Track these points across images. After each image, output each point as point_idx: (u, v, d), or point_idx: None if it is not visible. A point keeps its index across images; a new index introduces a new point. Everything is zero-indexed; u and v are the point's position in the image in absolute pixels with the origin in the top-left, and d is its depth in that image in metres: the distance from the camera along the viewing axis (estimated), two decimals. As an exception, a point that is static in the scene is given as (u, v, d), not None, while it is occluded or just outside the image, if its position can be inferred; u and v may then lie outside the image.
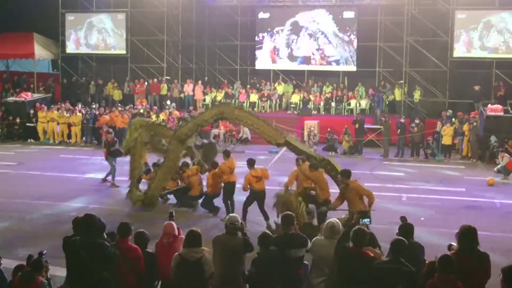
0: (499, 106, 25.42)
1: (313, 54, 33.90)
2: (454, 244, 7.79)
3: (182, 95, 32.97)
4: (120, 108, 29.01)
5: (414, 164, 24.32)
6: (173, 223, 8.79)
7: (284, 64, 34.67)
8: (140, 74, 33.98)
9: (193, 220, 14.65)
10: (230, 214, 9.00)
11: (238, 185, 15.35)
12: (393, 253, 7.16)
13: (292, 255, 8.20)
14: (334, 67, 34.02)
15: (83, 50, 35.39)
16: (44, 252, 8.00)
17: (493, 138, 24.08)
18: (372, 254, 7.48)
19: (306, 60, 34.12)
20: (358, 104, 31.49)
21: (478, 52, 29.22)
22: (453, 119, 26.19)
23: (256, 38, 35.02)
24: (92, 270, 7.39)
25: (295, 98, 32.45)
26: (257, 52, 35.05)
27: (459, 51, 29.37)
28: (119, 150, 18.91)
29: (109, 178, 19.13)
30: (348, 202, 12.24)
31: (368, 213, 8.04)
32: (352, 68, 33.63)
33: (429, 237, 12.29)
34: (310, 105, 31.68)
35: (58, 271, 8.75)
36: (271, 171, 15.86)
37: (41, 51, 34.91)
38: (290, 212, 8.92)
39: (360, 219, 7.96)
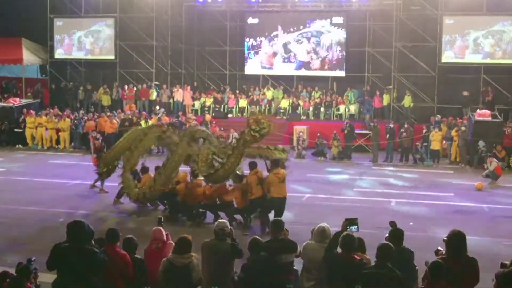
0: (487, 111, 25.53)
1: (311, 58, 34.01)
2: (441, 248, 7.81)
3: (171, 100, 32.91)
4: (109, 114, 28.94)
5: (403, 169, 24.37)
6: (162, 228, 8.78)
7: (280, 68, 34.68)
8: (129, 79, 33.91)
9: (181, 226, 14.61)
10: (219, 220, 8.98)
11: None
12: (380, 258, 7.16)
13: (283, 261, 8.21)
14: (323, 72, 34.11)
15: (72, 55, 35.28)
16: (33, 259, 7.95)
17: (481, 143, 24.18)
18: (359, 258, 7.52)
19: (304, 64, 34.19)
20: (347, 109, 31.56)
21: (468, 57, 29.37)
22: (442, 124, 26.27)
23: (253, 43, 34.98)
24: (82, 276, 7.36)
25: (284, 103, 32.46)
26: (254, 56, 35.08)
27: (449, 56, 29.53)
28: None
29: (98, 184, 19.05)
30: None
31: (355, 220, 8.01)
32: (341, 73, 33.72)
33: (418, 242, 12.28)
34: (299, 110, 31.72)
35: (48, 278, 8.66)
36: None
37: (29, 56, 34.76)
38: (279, 218, 8.92)
39: (348, 226, 7.94)
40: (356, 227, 7.99)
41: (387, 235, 8.32)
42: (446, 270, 6.82)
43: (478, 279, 7.26)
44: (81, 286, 7.34)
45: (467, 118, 26.19)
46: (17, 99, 31.90)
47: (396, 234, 8.29)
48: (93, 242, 7.76)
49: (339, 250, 7.63)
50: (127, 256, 8.01)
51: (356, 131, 27.48)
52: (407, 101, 29.48)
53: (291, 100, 32.37)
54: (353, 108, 31.69)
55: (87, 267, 7.34)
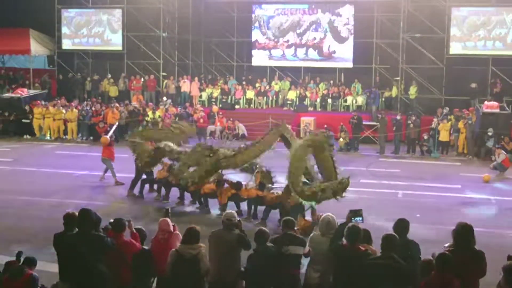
0: (495, 103, 25.43)
1: (319, 49, 33.96)
2: (436, 252, 7.65)
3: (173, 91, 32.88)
4: (116, 105, 28.86)
5: (410, 161, 24.34)
6: (168, 219, 8.80)
7: (288, 59, 34.64)
8: (136, 70, 33.93)
9: (188, 217, 14.64)
10: (227, 211, 9.00)
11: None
12: (384, 248, 7.16)
13: (290, 252, 8.19)
14: (330, 64, 34.04)
15: (79, 46, 35.33)
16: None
17: (491, 130, 24.00)
18: (364, 249, 7.51)
19: (312, 55, 34.16)
20: (354, 101, 31.50)
21: (476, 49, 29.23)
22: (449, 115, 26.19)
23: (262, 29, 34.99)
24: (88, 264, 7.43)
25: (292, 95, 32.41)
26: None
27: (457, 47, 29.38)
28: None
29: (108, 175, 18.93)
30: None
31: (360, 212, 8.00)
32: (349, 64, 33.64)
33: (425, 234, 12.29)
34: (307, 102, 31.66)
35: (53, 268, 8.71)
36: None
37: (37, 47, 34.80)
38: (291, 218, 8.91)
39: (352, 218, 7.92)
40: (361, 218, 7.98)
41: (393, 226, 8.28)
42: (453, 262, 6.81)
43: (484, 272, 7.24)
44: (88, 273, 7.43)
45: (474, 110, 26.08)
46: (25, 89, 31.98)
47: (402, 225, 8.19)
48: (100, 230, 7.88)
49: (344, 241, 7.63)
50: (135, 245, 8.11)
51: (364, 123, 27.44)
52: (412, 91, 29.41)
53: (298, 92, 32.32)
54: (360, 100, 31.61)
55: (94, 252, 7.46)
